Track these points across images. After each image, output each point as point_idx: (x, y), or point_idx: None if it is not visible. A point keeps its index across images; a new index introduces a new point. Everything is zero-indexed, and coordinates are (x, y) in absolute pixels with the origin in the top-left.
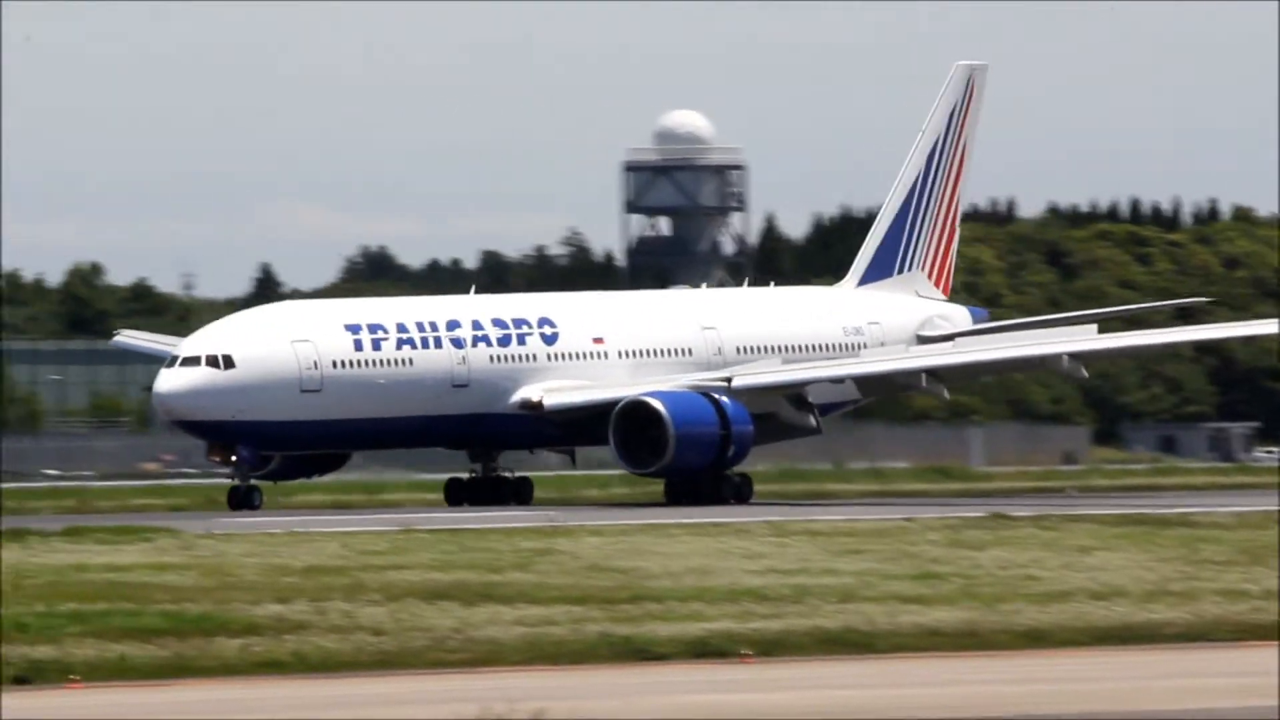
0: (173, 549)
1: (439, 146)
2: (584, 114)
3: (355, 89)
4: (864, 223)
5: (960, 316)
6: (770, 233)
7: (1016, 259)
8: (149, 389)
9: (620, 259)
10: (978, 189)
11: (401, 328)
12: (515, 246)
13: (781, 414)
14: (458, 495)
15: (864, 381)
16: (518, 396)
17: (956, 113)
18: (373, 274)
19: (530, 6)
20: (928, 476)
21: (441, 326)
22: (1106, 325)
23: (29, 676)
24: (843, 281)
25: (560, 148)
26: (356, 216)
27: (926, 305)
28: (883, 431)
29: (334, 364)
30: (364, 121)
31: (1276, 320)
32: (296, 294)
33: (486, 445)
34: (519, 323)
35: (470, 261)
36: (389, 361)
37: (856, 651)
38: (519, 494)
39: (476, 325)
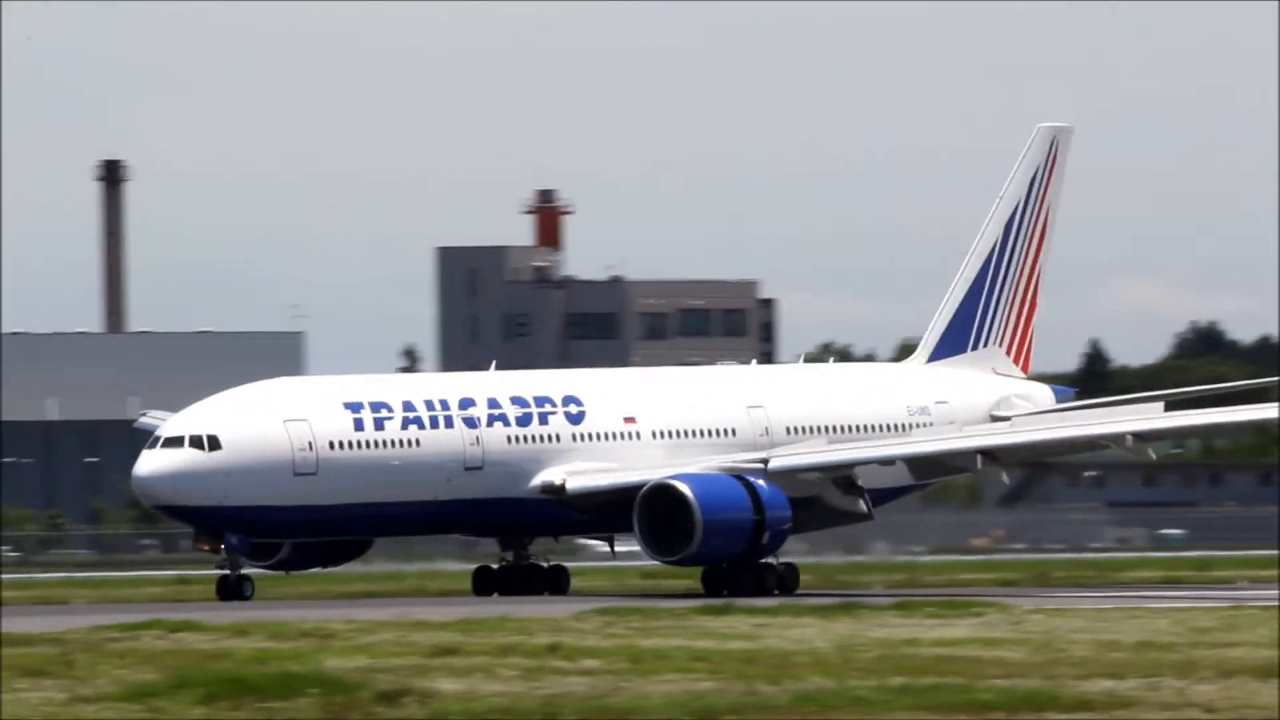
0: (1002, 624)
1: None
2: None
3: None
4: None
5: (1043, 395)
6: None
7: None
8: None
9: None
10: None
11: (408, 406)
12: None
13: (826, 498)
14: (486, 585)
15: (914, 463)
16: (538, 480)
17: (1039, 178)
18: (1202, 349)
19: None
20: None
21: (453, 405)
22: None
23: None
24: (910, 358)
25: None
26: (1189, 292)
27: (1003, 383)
28: None
29: (331, 445)
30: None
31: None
32: (1124, 370)
33: (505, 532)
34: (541, 401)
35: None
36: (393, 442)
37: None
38: (553, 584)
39: (493, 404)
